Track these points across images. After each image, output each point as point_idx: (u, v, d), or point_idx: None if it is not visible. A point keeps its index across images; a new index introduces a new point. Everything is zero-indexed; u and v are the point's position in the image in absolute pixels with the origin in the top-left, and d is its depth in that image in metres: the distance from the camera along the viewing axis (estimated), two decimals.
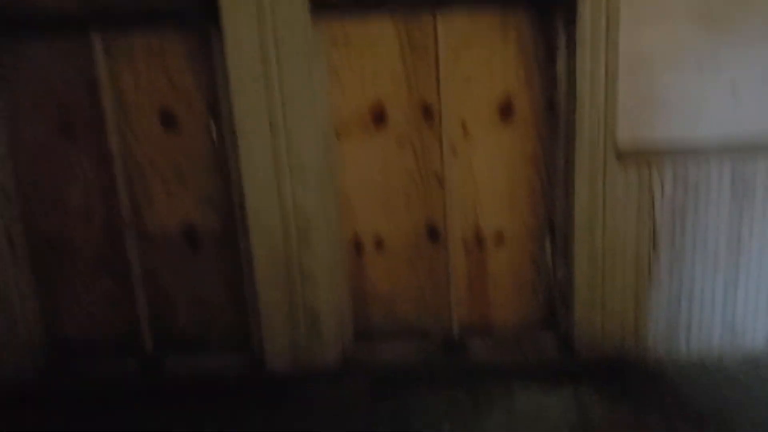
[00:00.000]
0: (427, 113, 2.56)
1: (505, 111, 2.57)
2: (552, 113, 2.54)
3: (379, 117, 2.57)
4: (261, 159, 2.42)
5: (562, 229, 2.59)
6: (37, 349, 2.69)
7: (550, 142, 2.56)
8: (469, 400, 2.43)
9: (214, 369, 2.64)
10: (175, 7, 2.41)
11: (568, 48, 2.41)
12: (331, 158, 2.54)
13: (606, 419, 2.28)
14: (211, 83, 2.48)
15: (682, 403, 2.35)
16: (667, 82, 2.40)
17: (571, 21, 2.37)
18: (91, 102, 2.51)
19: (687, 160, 2.44)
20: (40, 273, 2.69)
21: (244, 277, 2.59)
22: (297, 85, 2.37)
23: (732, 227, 2.51)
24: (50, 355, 2.73)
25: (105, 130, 2.52)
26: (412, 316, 2.74)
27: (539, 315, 2.75)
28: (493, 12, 2.48)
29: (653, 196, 2.47)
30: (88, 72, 2.49)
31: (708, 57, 2.39)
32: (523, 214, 2.65)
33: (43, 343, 2.72)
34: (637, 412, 2.31)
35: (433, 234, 2.67)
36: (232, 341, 2.71)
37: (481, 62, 2.52)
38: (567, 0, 2.36)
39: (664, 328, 2.59)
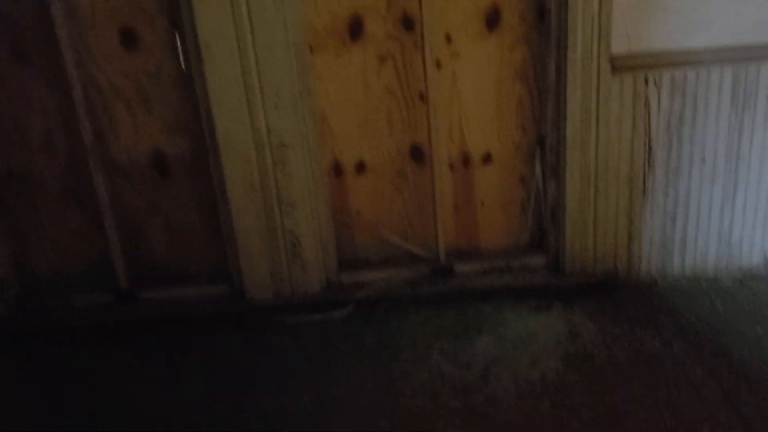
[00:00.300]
0: (408, 24, 2.40)
1: (492, 20, 2.42)
2: (542, 22, 2.39)
3: (356, 29, 2.41)
4: (229, 79, 2.27)
5: (552, 146, 2.49)
6: (6, 286, 2.61)
7: (540, 53, 2.43)
8: (457, 324, 2.40)
9: (191, 300, 2.58)
10: None
11: None
12: (305, 76, 2.39)
13: (598, 339, 2.25)
14: None
15: (676, 320, 2.33)
16: None
17: None
18: (44, 22, 2.33)
19: (685, 70, 2.33)
20: (4, 208, 2.58)
21: (218, 204, 2.49)
22: None
23: (731, 139, 2.42)
24: (20, 292, 2.66)
25: (61, 53, 2.34)
26: (397, 241, 2.67)
27: (529, 236, 2.69)
28: None
29: (649, 109, 2.37)
30: None
31: None
32: (511, 131, 2.55)
33: (13, 281, 2.64)
34: (630, 332, 2.28)
35: (417, 154, 2.56)
36: (210, 271, 2.64)
37: None
38: None
39: (658, 246, 2.54)
